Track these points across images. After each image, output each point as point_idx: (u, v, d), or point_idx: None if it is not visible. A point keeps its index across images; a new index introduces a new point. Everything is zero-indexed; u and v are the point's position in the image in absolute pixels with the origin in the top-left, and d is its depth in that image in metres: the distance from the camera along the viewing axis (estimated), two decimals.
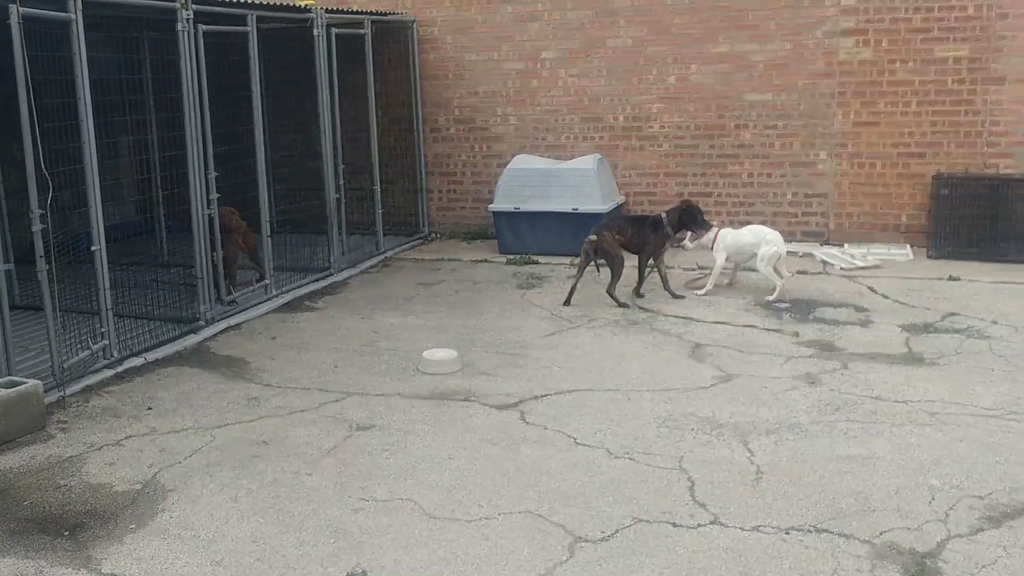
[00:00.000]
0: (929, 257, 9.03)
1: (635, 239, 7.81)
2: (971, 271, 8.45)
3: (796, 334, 6.80)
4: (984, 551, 3.84)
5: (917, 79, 9.17)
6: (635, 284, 7.86)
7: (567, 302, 7.68)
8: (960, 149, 9.16)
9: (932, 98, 9.16)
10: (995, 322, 6.95)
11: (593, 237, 7.70)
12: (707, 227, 7.86)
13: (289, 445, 5.09)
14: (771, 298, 7.63)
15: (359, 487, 4.57)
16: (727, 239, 7.86)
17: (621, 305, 7.58)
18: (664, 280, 7.90)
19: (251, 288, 8.05)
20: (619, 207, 9.83)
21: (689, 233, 7.93)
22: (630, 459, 4.79)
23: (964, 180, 9.03)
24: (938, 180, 9.09)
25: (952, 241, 8.99)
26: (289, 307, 7.98)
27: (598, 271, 7.83)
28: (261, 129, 7.92)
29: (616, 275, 7.67)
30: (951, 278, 8.26)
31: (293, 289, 8.37)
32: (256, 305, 7.85)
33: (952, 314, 7.19)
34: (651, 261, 7.89)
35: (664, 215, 7.86)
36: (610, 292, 7.65)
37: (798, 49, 9.43)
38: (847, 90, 9.37)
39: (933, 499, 4.28)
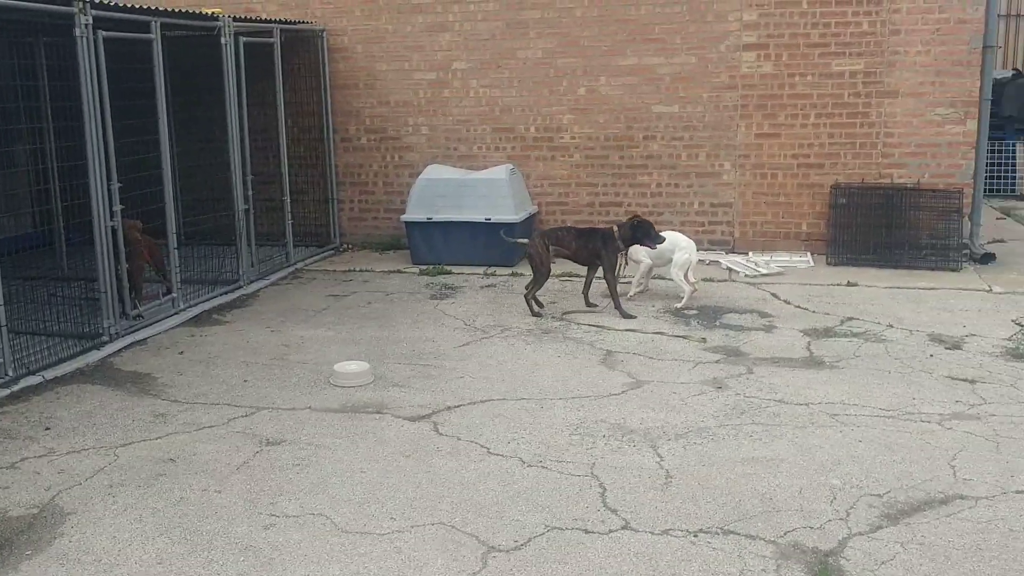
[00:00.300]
0: (828, 264, 9.36)
1: (581, 252, 7.78)
2: (868, 277, 8.80)
3: (703, 340, 6.97)
4: (883, 548, 3.99)
5: (815, 92, 9.51)
6: (592, 295, 7.85)
7: (534, 312, 7.68)
8: (856, 160, 9.54)
9: (830, 111, 9.51)
10: (891, 326, 7.24)
11: (525, 241, 7.80)
12: (660, 240, 7.79)
13: (197, 462, 4.98)
14: (679, 305, 7.79)
15: (269, 503, 4.49)
16: None
17: (534, 314, 7.64)
18: (587, 286, 7.96)
19: (158, 302, 7.84)
20: (532, 217, 9.91)
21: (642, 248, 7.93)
22: (543, 467, 4.83)
23: (860, 189, 9.40)
24: (836, 190, 9.45)
25: (850, 248, 9.35)
26: (197, 321, 7.80)
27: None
28: (167, 138, 7.73)
29: (536, 282, 7.72)
30: (849, 284, 8.58)
31: (201, 302, 8.19)
32: (163, 319, 7.64)
33: (850, 319, 7.47)
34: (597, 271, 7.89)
35: (615, 228, 7.81)
36: (526, 297, 7.70)
37: (702, 63, 9.69)
38: (749, 103, 9.67)
39: (834, 499, 4.43)
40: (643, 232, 7.70)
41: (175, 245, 7.89)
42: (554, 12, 9.94)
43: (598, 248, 7.72)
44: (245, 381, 6.28)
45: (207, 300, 8.27)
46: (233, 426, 5.48)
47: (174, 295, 7.90)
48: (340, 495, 4.56)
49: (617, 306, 7.65)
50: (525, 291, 7.76)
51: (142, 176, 7.66)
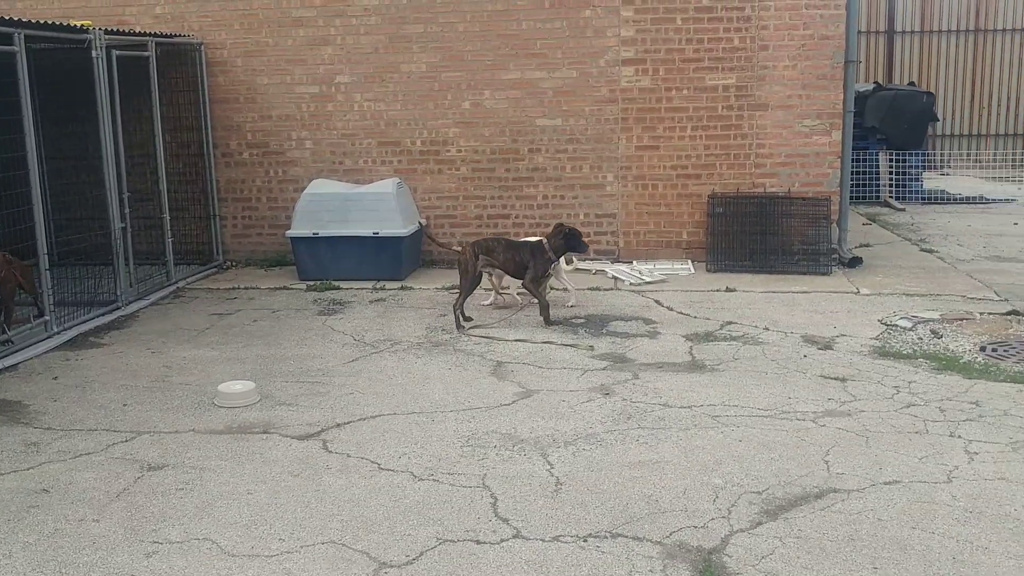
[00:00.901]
0: (708, 271, 9.69)
1: (509, 264, 7.80)
2: (745, 282, 9.14)
3: (591, 348, 7.11)
4: (763, 543, 4.15)
5: (691, 105, 9.84)
6: (540, 310, 7.81)
7: (459, 325, 7.66)
8: (732, 170, 9.91)
9: (705, 123, 9.86)
10: (767, 329, 7.55)
11: (458, 248, 7.95)
12: (586, 249, 8.10)
13: (73, 491, 4.77)
14: (572, 304, 8.08)
15: (152, 530, 4.35)
16: None
17: (459, 327, 7.61)
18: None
19: (28, 325, 7.48)
20: (420, 230, 9.91)
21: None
22: (434, 480, 4.83)
23: (736, 199, 9.77)
24: (713, 199, 9.79)
25: (728, 255, 9.70)
26: (72, 344, 7.48)
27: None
28: (35, 156, 7.40)
29: (463, 292, 7.72)
30: (728, 289, 8.90)
31: (77, 324, 7.86)
32: (35, 343, 7.30)
33: (730, 323, 7.75)
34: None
35: (545, 240, 7.87)
36: (454, 307, 7.70)
37: (584, 77, 9.90)
38: (629, 116, 9.93)
39: (717, 497, 4.59)
40: (575, 240, 7.92)
41: (47, 266, 7.56)
42: (437, 27, 9.99)
43: (526, 260, 7.78)
44: (125, 405, 6.06)
45: (83, 322, 7.95)
46: (112, 452, 5.28)
47: (46, 318, 7.56)
48: (226, 518, 4.45)
49: (547, 317, 7.71)
50: (453, 304, 7.74)
51: (10, 195, 7.31)
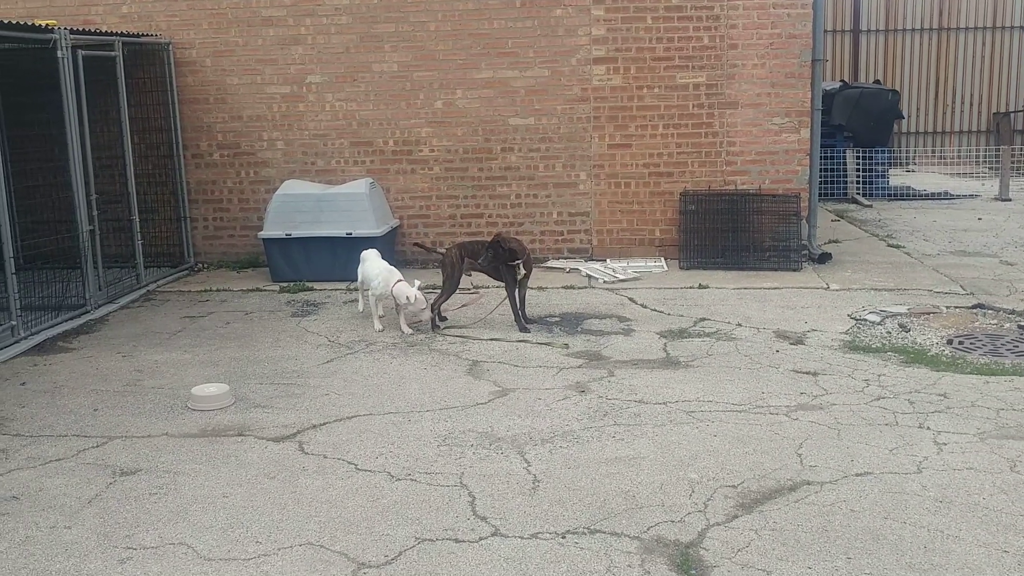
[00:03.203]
0: (681, 268, 9.75)
1: (491, 267, 7.68)
2: (717, 279, 9.21)
3: (566, 346, 7.13)
4: (739, 536, 4.18)
5: (663, 104, 9.90)
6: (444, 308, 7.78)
7: (434, 326, 7.60)
8: (703, 168, 9.98)
9: (676, 121, 9.92)
10: (740, 324, 7.61)
11: (442, 250, 7.87)
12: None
13: (44, 498, 4.71)
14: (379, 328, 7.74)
15: (125, 536, 4.30)
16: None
17: (433, 328, 7.60)
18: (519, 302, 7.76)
19: None
20: (394, 230, 9.89)
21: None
22: (412, 480, 4.83)
23: (707, 196, 9.84)
24: (685, 197, 9.86)
25: (700, 252, 9.77)
26: (40, 349, 7.39)
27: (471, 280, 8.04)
28: (0, 158, 7.31)
29: (444, 292, 7.69)
30: (701, 286, 8.96)
31: (44, 329, 7.76)
32: (2, 349, 7.20)
33: (703, 319, 7.80)
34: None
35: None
36: (432, 305, 7.65)
37: (555, 76, 9.92)
38: (601, 114, 9.97)
39: (693, 492, 4.62)
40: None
41: (12, 270, 7.45)
42: (408, 26, 9.97)
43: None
44: (95, 410, 5.99)
45: (51, 327, 7.85)
46: (83, 458, 5.22)
47: (13, 323, 7.45)
48: (202, 522, 4.42)
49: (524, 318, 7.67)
50: (432, 302, 7.66)
51: None
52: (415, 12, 9.94)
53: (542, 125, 10.04)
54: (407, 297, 7.39)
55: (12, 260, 7.47)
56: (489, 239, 7.80)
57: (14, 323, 7.46)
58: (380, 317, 7.74)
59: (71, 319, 8.12)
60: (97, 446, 5.39)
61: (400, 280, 7.54)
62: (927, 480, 4.69)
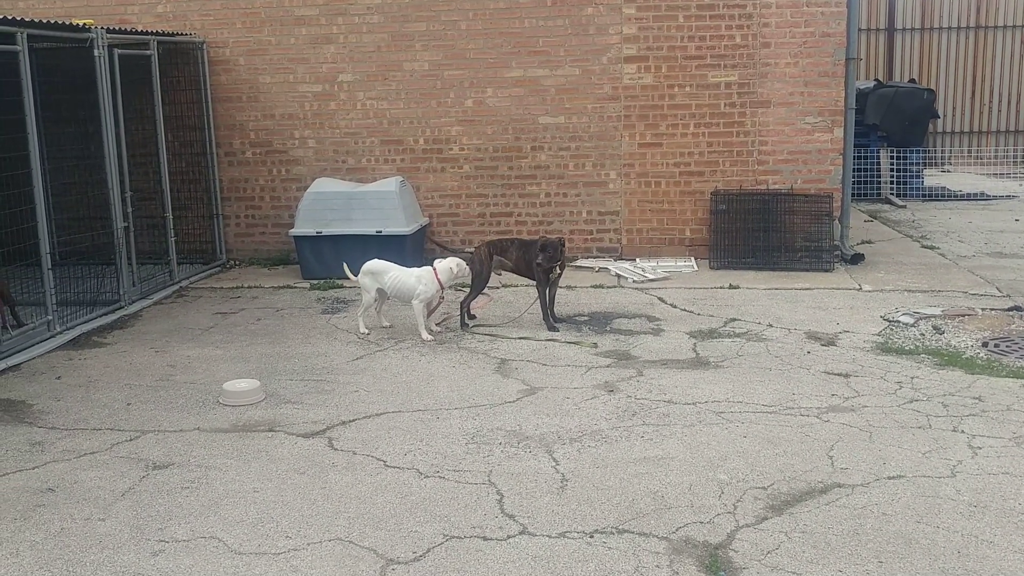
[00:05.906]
0: (711, 268, 9.69)
1: (521, 263, 7.67)
2: (748, 279, 9.15)
3: (595, 345, 7.11)
4: (769, 538, 4.15)
5: (694, 103, 9.84)
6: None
7: (463, 323, 7.60)
8: (734, 167, 9.91)
9: (708, 120, 9.86)
10: (771, 325, 7.55)
11: (471, 249, 7.82)
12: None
13: (79, 490, 4.78)
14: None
15: (158, 528, 4.36)
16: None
17: (462, 325, 7.61)
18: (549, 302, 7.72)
19: (32, 324, 7.48)
20: (423, 229, 9.92)
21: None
22: (440, 477, 4.84)
23: (739, 196, 9.77)
24: (716, 196, 9.79)
25: (731, 252, 9.70)
26: (75, 344, 7.49)
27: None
28: (37, 155, 7.41)
29: (473, 290, 7.69)
30: (731, 287, 8.90)
31: (79, 324, 7.87)
32: (38, 343, 7.31)
33: (733, 320, 7.75)
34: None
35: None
36: (462, 303, 7.67)
37: (586, 75, 9.90)
38: (632, 113, 9.93)
39: (722, 493, 4.60)
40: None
41: (48, 266, 7.56)
42: (439, 25, 9.99)
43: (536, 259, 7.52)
44: (129, 404, 6.07)
45: (86, 322, 7.96)
46: (117, 451, 5.29)
47: (49, 318, 7.56)
48: (232, 516, 4.46)
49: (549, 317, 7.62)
50: (462, 300, 7.70)
51: (13, 194, 7.32)
52: (446, 11, 9.96)
53: (572, 124, 10.02)
54: (454, 267, 7.32)
55: (48, 256, 7.58)
56: (517, 237, 7.80)
57: (50, 318, 7.57)
58: (424, 323, 7.43)
59: (105, 314, 8.23)
60: (130, 440, 5.46)
61: (437, 260, 7.46)
62: (961, 484, 4.63)
